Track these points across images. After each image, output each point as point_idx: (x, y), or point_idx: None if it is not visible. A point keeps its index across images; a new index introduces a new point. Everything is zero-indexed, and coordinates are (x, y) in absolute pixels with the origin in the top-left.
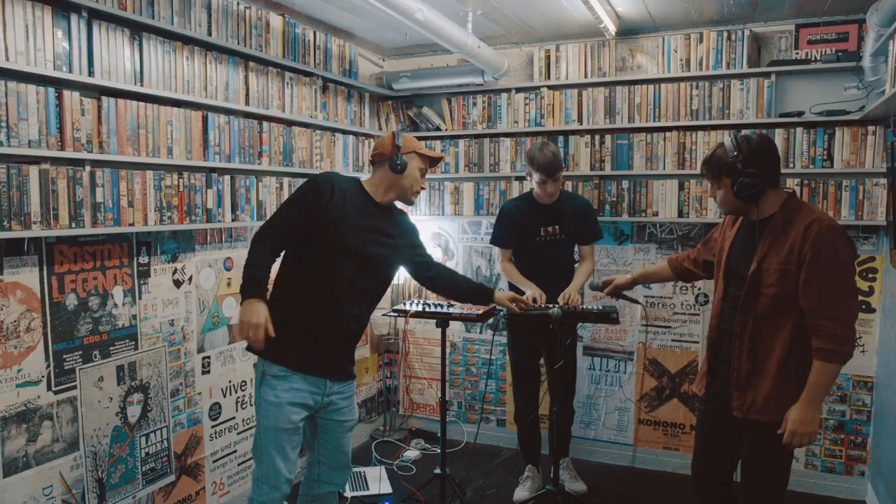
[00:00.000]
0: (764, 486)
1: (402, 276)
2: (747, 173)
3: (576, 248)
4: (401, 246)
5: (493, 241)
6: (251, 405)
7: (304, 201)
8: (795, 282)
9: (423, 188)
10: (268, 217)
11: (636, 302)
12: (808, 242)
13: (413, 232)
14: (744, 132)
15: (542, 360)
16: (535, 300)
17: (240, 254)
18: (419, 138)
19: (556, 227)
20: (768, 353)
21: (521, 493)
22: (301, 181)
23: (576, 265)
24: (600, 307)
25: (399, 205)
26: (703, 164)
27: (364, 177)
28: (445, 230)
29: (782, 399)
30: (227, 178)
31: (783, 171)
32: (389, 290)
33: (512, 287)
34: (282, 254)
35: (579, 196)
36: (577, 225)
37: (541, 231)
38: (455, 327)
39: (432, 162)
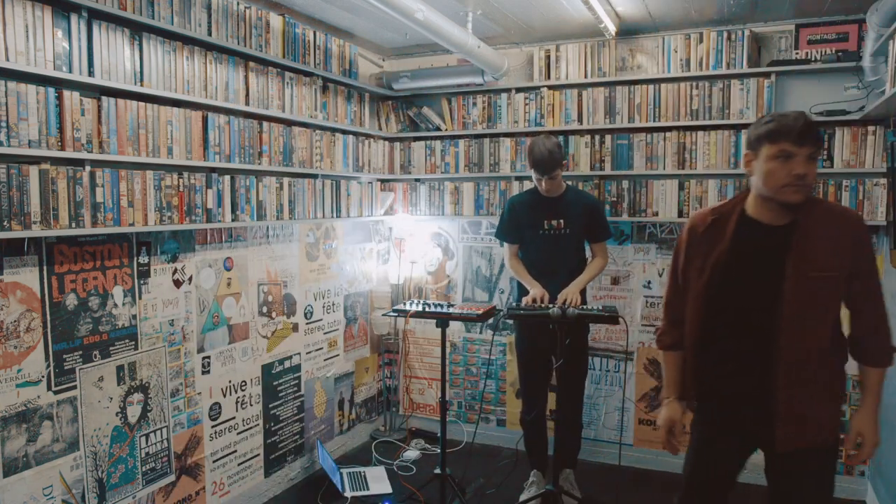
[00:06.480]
0: None
1: (401, 275)
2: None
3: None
4: None
5: (497, 235)
6: (251, 405)
7: None
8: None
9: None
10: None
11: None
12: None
13: None
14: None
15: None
16: (541, 300)
17: (239, 254)
18: (419, 138)
19: (561, 220)
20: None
21: (525, 497)
22: (301, 181)
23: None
24: (601, 307)
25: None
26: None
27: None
28: (445, 230)
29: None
30: (227, 178)
31: None
32: (389, 289)
33: (518, 285)
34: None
35: (588, 194)
36: (583, 221)
37: (545, 224)
38: (455, 327)
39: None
